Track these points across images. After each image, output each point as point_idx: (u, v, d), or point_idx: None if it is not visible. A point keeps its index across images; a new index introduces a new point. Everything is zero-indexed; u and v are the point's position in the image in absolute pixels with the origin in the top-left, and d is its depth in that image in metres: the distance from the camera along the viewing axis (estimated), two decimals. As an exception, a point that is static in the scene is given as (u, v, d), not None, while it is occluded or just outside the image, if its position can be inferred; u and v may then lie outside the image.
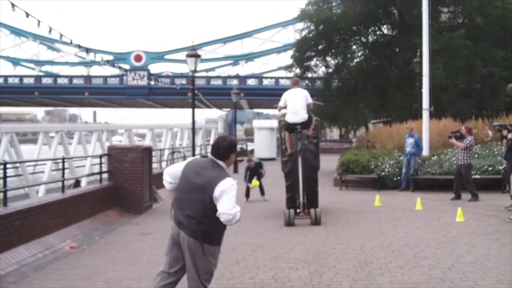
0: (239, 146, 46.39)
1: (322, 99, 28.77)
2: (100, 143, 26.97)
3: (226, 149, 5.32)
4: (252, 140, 56.30)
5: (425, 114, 19.87)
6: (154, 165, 20.42)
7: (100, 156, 14.53)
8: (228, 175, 5.23)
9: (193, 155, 19.00)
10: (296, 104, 12.17)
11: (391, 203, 14.93)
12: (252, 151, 46.26)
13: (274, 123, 41.55)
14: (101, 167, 14.08)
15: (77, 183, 18.34)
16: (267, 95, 63.48)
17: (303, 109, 12.21)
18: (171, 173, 5.43)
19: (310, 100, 12.37)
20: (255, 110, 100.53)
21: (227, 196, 5.08)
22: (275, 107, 12.77)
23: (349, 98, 31.73)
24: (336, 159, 26.52)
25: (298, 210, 11.85)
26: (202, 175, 5.23)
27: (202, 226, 5.15)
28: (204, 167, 5.30)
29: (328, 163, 26.41)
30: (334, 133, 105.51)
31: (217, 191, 5.10)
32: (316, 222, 11.64)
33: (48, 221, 10.07)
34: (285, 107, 12.40)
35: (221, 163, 5.32)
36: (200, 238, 5.13)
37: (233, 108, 40.27)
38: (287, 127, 12.43)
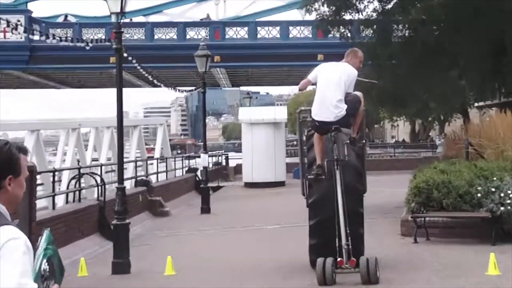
0: (211, 159, 31.58)
1: (374, 68, 18.02)
2: None
3: None
4: (238, 148, 43.63)
5: None
6: (41, 202, 13.97)
7: None
8: (8, 220, 2.46)
9: (121, 177, 11.40)
10: (325, 92, 8.98)
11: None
12: (235, 169, 33.68)
13: (281, 114, 28.91)
14: None
15: None
16: (265, 59, 36.44)
17: (339, 100, 8.98)
18: None
19: (351, 89, 9.18)
20: (243, 88, 64.30)
21: (8, 261, 2.37)
22: (301, 86, 9.35)
23: (428, 60, 17.93)
24: (404, 181, 16.73)
25: (339, 259, 8.67)
26: None
27: None
28: None
29: (388, 190, 21.04)
30: (399, 129, 72.33)
31: None
32: (370, 279, 8.57)
33: None
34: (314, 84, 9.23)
35: None
36: None
37: (200, 86, 23.23)
38: (316, 128, 9.28)
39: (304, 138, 10.38)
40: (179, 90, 34.26)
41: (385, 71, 18.32)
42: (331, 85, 9.01)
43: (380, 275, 8.75)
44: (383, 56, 17.86)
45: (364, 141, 9.94)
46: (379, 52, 17.75)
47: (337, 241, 8.79)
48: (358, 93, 9.52)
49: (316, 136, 9.37)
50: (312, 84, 9.38)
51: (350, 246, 8.76)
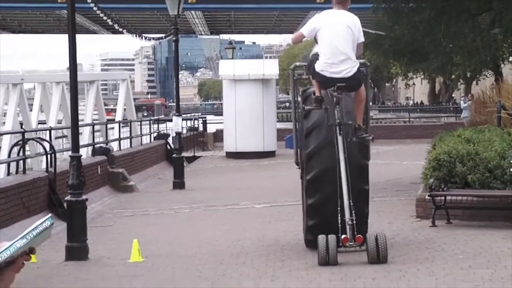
0: (185, 123, 31.15)
1: (388, 13, 18.85)
2: None
3: None
4: (217, 111, 43.50)
5: None
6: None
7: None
8: None
9: (75, 144, 11.28)
10: (341, 43, 9.62)
11: None
12: (214, 136, 34.58)
13: (271, 68, 28.97)
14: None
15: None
16: (253, 1, 36.56)
17: (351, 52, 9.70)
18: None
19: (361, 38, 9.93)
20: (224, 36, 69.83)
21: None
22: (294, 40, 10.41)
23: (454, 3, 18.34)
24: (420, 152, 17.93)
25: (343, 237, 9.29)
26: None
27: None
28: None
29: (401, 163, 21.87)
30: (415, 89, 72.32)
31: None
32: (379, 257, 9.22)
33: None
34: (313, 40, 10.11)
35: None
36: None
37: (171, 33, 23.66)
38: (321, 83, 9.82)
39: (300, 99, 10.83)
40: (145, 38, 34.07)
41: (402, 16, 18.54)
42: (344, 39, 9.68)
43: (387, 255, 9.26)
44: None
45: (371, 137, 10.28)
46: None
47: (339, 217, 9.32)
48: (365, 64, 10.43)
49: (315, 83, 9.93)
50: (306, 37, 10.12)
51: (355, 222, 9.29)
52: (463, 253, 10.05)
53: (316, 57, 9.93)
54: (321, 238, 9.28)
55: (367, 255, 9.26)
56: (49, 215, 2.46)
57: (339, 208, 9.45)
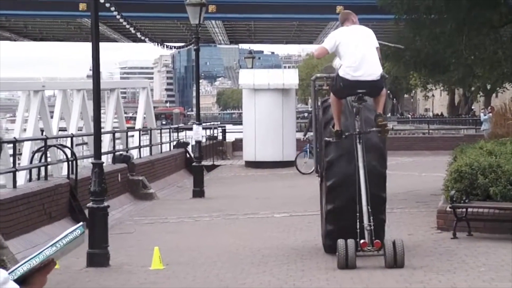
0: (204, 132, 30.67)
1: (409, 24, 18.71)
2: None
3: None
4: (237, 120, 43.98)
5: None
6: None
7: None
8: None
9: (97, 151, 11.37)
10: (362, 50, 10.06)
11: None
12: (233, 145, 33.99)
13: (291, 78, 29.00)
14: None
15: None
16: (271, 10, 36.30)
17: (377, 60, 10.19)
18: None
19: (377, 45, 10.43)
20: (243, 46, 71.23)
21: None
22: (313, 53, 10.18)
23: (476, 15, 17.95)
24: (440, 164, 18.04)
25: (362, 241, 9.70)
26: None
27: None
28: None
29: (421, 175, 21.99)
30: (434, 101, 71.90)
31: None
32: (396, 262, 9.55)
33: None
34: (332, 54, 10.58)
35: None
36: None
37: (192, 42, 23.74)
38: (340, 89, 10.12)
39: (320, 110, 11.18)
40: (167, 47, 34.17)
41: (424, 28, 18.48)
42: (364, 46, 10.18)
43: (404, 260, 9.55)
44: (422, 8, 18.02)
45: (391, 127, 10.85)
46: (417, 3, 17.94)
47: (358, 223, 9.70)
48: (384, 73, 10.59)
49: (333, 98, 10.27)
50: (328, 53, 10.43)
51: (373, 227, 9.67)
52: (485, 266, 10.00)
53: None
54: (340, 242, 9.61)
55: (385, 259, 9.54)
56: (81, 223, 2.49)
57: (357, 214, 9.78)
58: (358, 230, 9.72)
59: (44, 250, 2.27)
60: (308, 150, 24.92)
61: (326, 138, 10.50)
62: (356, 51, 10.12)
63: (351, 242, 9.60)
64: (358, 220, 9.77)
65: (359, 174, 9.99)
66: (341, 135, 10.14)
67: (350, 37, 10.30)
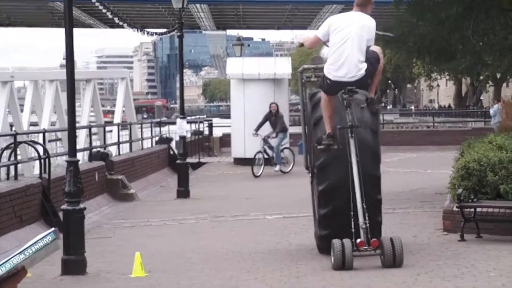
0: (189, 126, 31.04)
1: (412, 8, 18.69)
2: None
3: None
4: (225, 113, 44.47)
5: None
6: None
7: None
8: None
9: (72, 148, 11.18)
10: (348, 48, 10.18)
11: None
12: (221, 140, 34.89)
13: (284, 67, 29.11)
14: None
15: None
16: None
17: (361, 56, 10.25)
18: None
19: (372, 42, 10.52)
20: (231, 32, 72.24)
21: None
22: (301, 43, 10.89)
23: None
24: (446, 160, 18.42)
25: (358, 241, 9.90)
26: None
27: None
28: None
29: (425, 172, 22.05)
30: (439, 91, 73.00)
31: None
32: (395, 262, 9.82)
33: None
34: (325, 42, 10.52)
35: None
36: None
37: (175, 28, 23.71)
38: (327, 87, 10.41)
39: (309, 105, 11.35)
40: (147, 33, 34.06)
41: (427, 11, 18.56)
42: (351, 43, 10.19)
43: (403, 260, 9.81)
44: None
45: (380, 105, 10.97)
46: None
47: (352, 222, 9.91)
48: (376, 49, 10.68)
49: (324, 99, 10.46)
50: (321, 42, 10.52)
51: (368, 225, 9.88)
52: (495, 270, 10.07)
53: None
54: (336, 242, 9.82)
55: (383, 258, 9.78)
56: (53, 229, 2.48)
57: (352, 213, 9.99)
58: (353, 230, 9.91)
59: (11, 258, 2.27)
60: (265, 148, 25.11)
61: (316, 144, 10.59)
62: (340, 49, 10.25)
63: (347, 241, 9.80)
64: (352, 219, 9.94)
65: (351, 170, 10.19)
66: (334, 137, 10.31)
67: (342, 28, 10.36)
